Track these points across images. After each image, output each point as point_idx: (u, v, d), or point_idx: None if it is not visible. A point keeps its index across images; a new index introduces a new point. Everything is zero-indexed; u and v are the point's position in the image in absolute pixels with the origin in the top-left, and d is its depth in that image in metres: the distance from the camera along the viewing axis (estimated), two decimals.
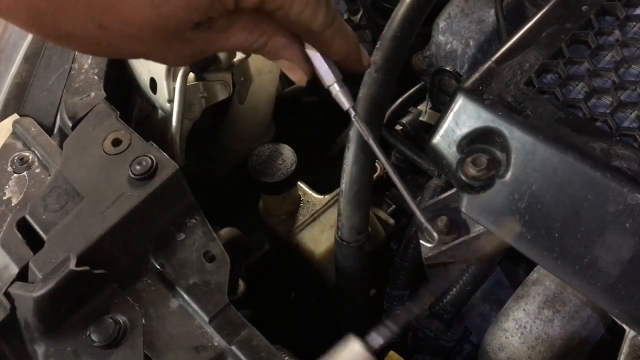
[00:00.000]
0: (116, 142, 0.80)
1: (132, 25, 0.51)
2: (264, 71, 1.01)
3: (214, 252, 0.75)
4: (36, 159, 0.86)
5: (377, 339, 0.43)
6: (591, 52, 0.70)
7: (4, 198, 0.83)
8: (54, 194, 0.78)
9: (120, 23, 0.51)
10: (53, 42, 0.58)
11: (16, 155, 0.86)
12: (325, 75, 0.63)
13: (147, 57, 0.57)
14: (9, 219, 0.79)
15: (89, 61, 0.95)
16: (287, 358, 0.72)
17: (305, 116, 1.25)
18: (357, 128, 0.68)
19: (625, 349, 0.61)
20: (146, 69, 0.94)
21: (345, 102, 0.64)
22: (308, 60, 0.62)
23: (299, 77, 0.64)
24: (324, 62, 0.62)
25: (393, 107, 1.07)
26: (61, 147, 0.84)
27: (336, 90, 0.63)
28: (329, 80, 0.63)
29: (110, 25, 0.51)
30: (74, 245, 0.72)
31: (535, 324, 0.72)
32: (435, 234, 0.68)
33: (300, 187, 0.95)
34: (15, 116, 0.92)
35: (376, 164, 0.98)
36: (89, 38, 0.52)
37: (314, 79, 0.64)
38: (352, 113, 0.64)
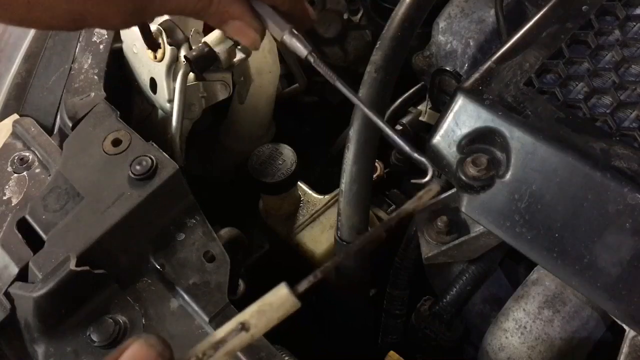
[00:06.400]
0: (116, 142, 0.80)
1: None
2: (264, 71, 1.01)
3: (214, 252, 0.75)
4: (36, 159, 0.86)
5: (303, 284, 0.47)
6: (591, 52, 0.70)
7: (4, 198, 0.83)
8: (54, 194, 0.78)
9: None
10: None
11: (16, 155, 0.86)
12: (277, 26, 0.60)
13: (84, 20, 0.53)
14: (9, 219, 0.79)
15: (89, 61, 0.95)
16: (287, 358, 0.72)
17: (305, 116, 1.25)
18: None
19: (625, 349, 0.61)
20: (146, 69, 0.94)
21: (302, 49, 0.61)
22: (256, 17, 0.60)
23: (251, 39, 0.61)
24: (273, 13, 0.60)
25: (393, 107, 1.06)
26: (61, 147, 0.84)
27: (290, 39, 0.61)
28: (283, 28, 0.60)
29: None
30: (74, 245, 0.72)
31: (535, 324, 0.72)
32: (429, 166, 0.62)
33: (300, 187, 0.95)
34: (15, 116, 0.92)
35: (376, 164, 0.98)
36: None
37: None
38: (312, 59, 0.61)
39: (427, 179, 0.60)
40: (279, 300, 0.46)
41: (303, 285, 0.46)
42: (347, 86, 0.61)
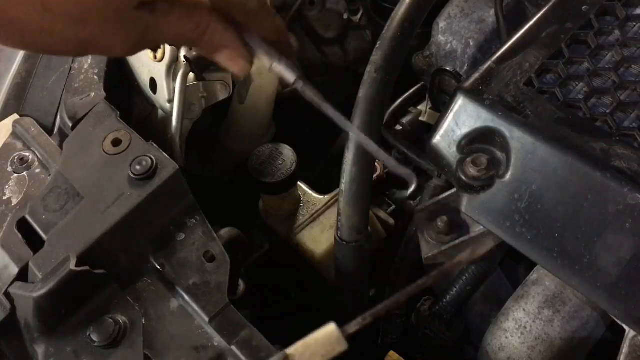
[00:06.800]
0: (116, 142, 0.80)
1: (76, 2, 0.50)
2: (264, 71, 1.01)
3: (214, 252, 0.75)
4: (36, 159, 0.86)
5: (352, 326, 0.49)
6: (591, 52, 0.70)
7: (4, 198, 0.83)
8: (54, 194, 0.78)
9: (65, 0, 0.50)
10: None
11: (16, 155, 0.86)
12: (267, 55, 0.63)
13: (91, 47, 0.55)
14: (9, 219, 0.79)
15: (89, 61, 0.95)
16: None
17: (305, 116, 1.25)
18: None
19: (625, 349, 0.62)
20: (146, 69, 0.94)
21: (290, 76, 0.62)
22: (246, 46, 0.62)
23: (241, 67, 0.63)
24: (262, 44, 0.62)
25: (393, 107, 1.06)
26: (61, 147, 0.84)
27: (279, 67, 0.63)
28: (272, 57, 0.63)
29: (54, 4, 0.50)
30: (74, 245, 0.72)
31: (535, 324, 0.72)
32: (413, 178, 0.65)
33: (300, 187, 0.95)
34: (15, 116, 0.92)
35: (376, 164, 0.98)
36: (31, 25, 0.51)
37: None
38: (299, 85, 0.62)
39: (410, 191, 0.62)
40: (324, 336, 0.49)
41: (352, 327, 0.49)
42: (336, 111, 0.62)
